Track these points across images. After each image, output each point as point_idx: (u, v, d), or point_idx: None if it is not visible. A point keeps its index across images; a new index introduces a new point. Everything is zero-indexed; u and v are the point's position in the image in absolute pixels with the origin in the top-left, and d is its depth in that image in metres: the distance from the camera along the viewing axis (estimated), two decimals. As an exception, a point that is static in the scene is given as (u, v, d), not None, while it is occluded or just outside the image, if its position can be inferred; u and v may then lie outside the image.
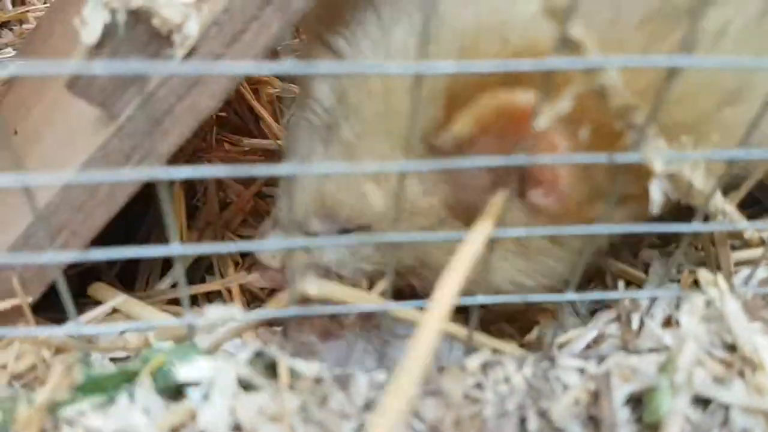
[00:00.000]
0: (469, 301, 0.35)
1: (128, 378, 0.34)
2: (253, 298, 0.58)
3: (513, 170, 0.34)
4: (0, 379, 0.41)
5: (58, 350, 0.44)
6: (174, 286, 0.60)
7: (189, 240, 0.62)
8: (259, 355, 0.35)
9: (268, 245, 0.50)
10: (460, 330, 0.38)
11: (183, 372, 0.33)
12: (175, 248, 0.31)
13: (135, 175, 0.38)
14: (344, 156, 0.43)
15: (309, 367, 0.36)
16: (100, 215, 0.41)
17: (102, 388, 0.34)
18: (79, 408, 0.33)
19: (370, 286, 0.47)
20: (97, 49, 0.36)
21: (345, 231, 0.46)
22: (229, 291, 0.57)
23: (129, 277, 0.62)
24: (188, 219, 0.62)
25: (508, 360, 0.37)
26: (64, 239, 0.42)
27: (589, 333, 0.44)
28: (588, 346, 0.44)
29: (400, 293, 0.43)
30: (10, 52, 0.87)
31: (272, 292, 0.55)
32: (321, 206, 0.45)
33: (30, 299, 0.44)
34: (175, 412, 0.33)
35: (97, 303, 0.50)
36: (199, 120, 0.38)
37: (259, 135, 0.74)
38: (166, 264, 0.62)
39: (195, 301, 0.58)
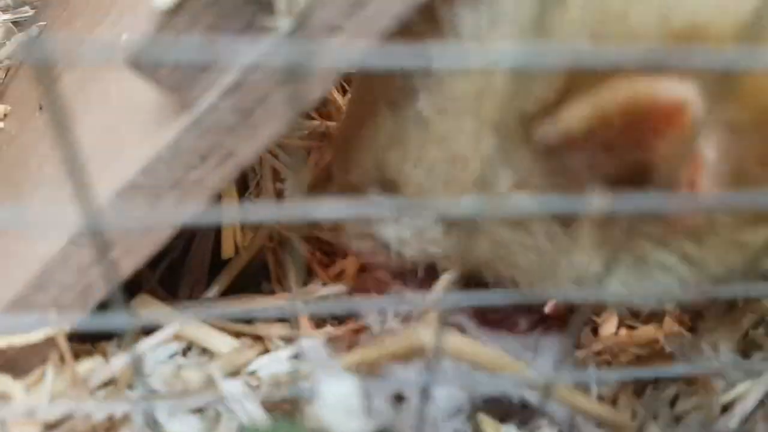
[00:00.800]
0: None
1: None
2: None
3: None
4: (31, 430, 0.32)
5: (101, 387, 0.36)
6: (224, 294, 0.51)
7: (243, 241, 0.53)
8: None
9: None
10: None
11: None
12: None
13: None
14: (415, 130, 0.36)
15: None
16: (162, 230, 0.32)
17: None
18: None
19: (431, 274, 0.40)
20: (173, 15, 0.26)
21: None
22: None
23: (172, 280, 0.53)
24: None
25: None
26: (116, 257, 0.33)
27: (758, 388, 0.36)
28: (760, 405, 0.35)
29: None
30: (27, 11, 0.77)
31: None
32: (382, 176, 0.39)
33: (67, 327, 0.35)
34: None
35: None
36: (298, 113, 0.29)
37: (321, 116, 0.64)
38: (214, 265, 0.53)
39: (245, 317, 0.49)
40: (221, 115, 0.29)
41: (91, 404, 0.31)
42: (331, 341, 0.40)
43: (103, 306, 0.35)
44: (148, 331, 0.41)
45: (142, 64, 0.27)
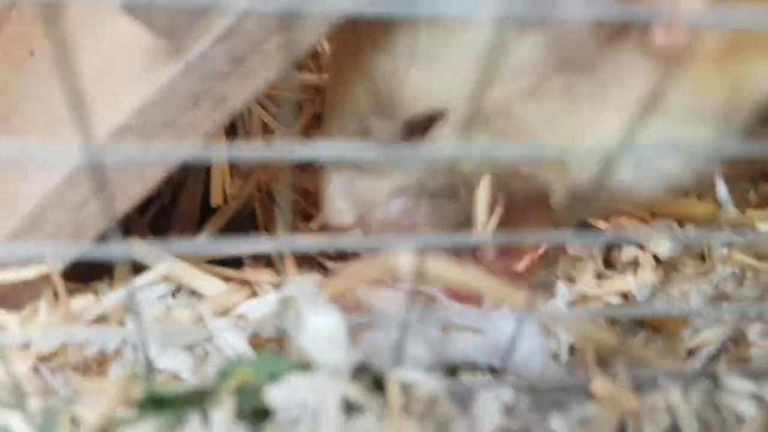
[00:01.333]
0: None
1: (200, 397, 0.27)
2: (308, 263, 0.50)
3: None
4: (23, 362, 0.34)
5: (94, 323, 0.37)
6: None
7: (233, 188, 0.54)
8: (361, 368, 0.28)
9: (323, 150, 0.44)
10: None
11: (275, 395, 0.26)
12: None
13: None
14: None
15: (424, 382, 0.28)
16: (154, 171, 0.33)
17: (167, 407, 0.26)
18: (140, 432, 0.26)
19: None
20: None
21: (409, 133, 0.39)
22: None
23: (161, 227, 0.54)
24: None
25: (667, 380, 0.30)
26: (112, 195, 0.34)
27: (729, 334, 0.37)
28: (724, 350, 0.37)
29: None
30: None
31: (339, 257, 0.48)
32: (377, 97, 0.39)
33: (61, 264, 0.36)
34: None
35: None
36: (292, 62, 0.30)
37: (316, 69, 0.65)
38: (204, 212, 0.54)
39: (234, 264, 0.51)
40: (214, 61, 0.30)
41: (85, 333, 0.33)
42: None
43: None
44: (138, 270, 0.43)
45: (137, 8, 0.28)
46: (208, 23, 0.29)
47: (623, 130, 0.28)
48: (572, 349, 0.39)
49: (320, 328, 0.27)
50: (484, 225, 0.39)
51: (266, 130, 0.60)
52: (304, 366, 0.27)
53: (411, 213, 0.43)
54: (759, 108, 0.37)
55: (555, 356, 0.38)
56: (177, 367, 0.37)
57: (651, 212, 0.51)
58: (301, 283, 0.30)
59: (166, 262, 0.42)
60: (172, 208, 0.54)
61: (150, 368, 0.38)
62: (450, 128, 0.38)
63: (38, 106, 0.40)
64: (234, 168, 0.55)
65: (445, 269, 0.31)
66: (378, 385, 0.28)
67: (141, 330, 0.35)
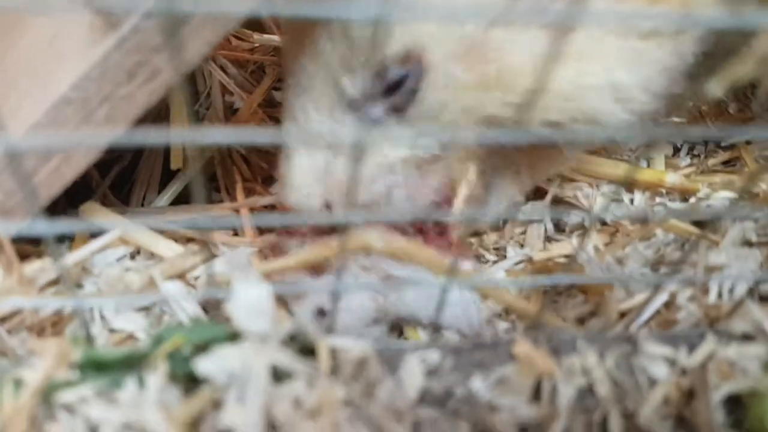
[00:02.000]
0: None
1: (137, 361, 0.28)
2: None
3: None
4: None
5: (48, 286, 0.38)
6: (174, 203, 0.53)
7: (193, 150, 0.54)
8: (293, 337, 0.29)
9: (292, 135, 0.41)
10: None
11: (205, 365, 0.27)
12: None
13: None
14: None
15: (353, 347, 0.30)
16: (95, 140, 0.34)
17: (106, 370, 0.28)
18: (78, 393, 0.27)
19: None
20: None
21: (391, 89, 0.38)
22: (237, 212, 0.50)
23: (122, 190, 0.55)
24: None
25: (584, 344, 0.31)
26: (55, 165, 0.34)
27: (658, 299, 0.39)
28: (658, 314, 0.39)
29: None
30: None
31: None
32: (348, 44, 0.37)
33: (12, 232, 0.37)
34: (194, 404, 0.27)
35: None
36: (223, 33, 0.30)
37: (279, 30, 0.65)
38: (165, 176, 0.55)
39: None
40: (145, 35, 0.30)
41: (37, 301, 0.34)
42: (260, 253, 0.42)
43: (50, 209, 0.38)
44: (96, 235, 0.44)
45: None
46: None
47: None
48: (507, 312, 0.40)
49: (249, 299, 0.28)
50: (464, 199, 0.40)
51: (226, 91, 0.61)
52: (236, 335, 0.29)
53: (394, 191, 0.41)
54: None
55: (491, 319, 0.40)
56: (132, 328, 0.39)
57: (597, 176, 0.52)
58: (234, 255, 0.31)
59: (121, 225, 0.44)
60: (135, 168, 0.55)
61: (106, 329, 0.39)
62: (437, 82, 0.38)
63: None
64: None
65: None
66: (309, 352, 0.29)
67: (90, 294, 0.37)
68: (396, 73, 0.37)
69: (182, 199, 0.54)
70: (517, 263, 0.46)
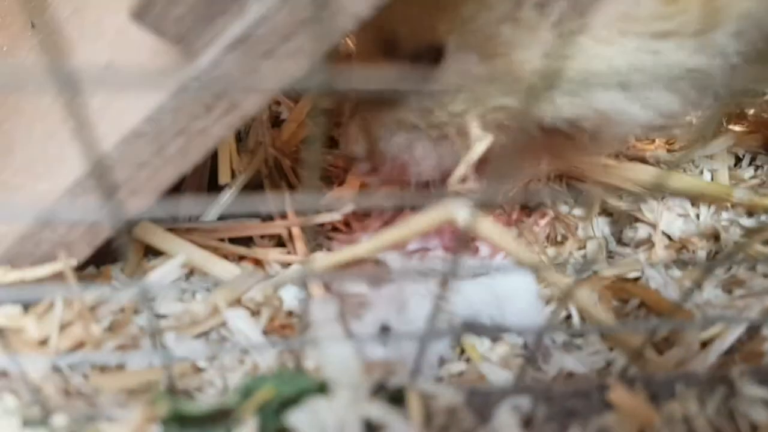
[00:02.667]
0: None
1: (224, 415, 0.27)
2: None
3: None
4: (42, 361, 0.34)
5: (112, 329, 0.37)
6: (221, 218, 0.52)
7: (240, 164, 0.53)
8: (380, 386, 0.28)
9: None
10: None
11: (297, 418, 0.26)
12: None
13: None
14: None
15: (443, 394, 0.29)
16: (166, 174, 0.32)
17: (191, 425, 0.27)
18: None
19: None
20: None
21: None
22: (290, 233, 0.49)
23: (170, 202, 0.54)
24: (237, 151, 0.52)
25: (684, 388, 0.30)
26: (122, 198, 0.33)
27: (739, 327, 0.38)
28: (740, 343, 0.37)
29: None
30: None
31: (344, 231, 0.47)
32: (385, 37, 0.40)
33: (74, 262, 0.36)
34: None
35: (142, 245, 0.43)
36: (308, 66, 0.29)
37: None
38: (213, 187, 0.54)
39: (243, 242, 0.50)
40: (226, 68, 0.29)
41: (121, 356, 0.33)
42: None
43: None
44: (152, 251, 0.43)
45: (147, 17, 0.27)
46: (220, 29, 0.28)
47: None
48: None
49: (337, 354, 0.27)
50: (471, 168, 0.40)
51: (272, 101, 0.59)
52: (323, 385, 0.27)
53: (409, 149, 0.43)
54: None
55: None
56: (194, 357, 0.38)
57: (661, 189, 0.50)
58: (322, 307, 0.30)
59: (181, 250, 0.42)
60: (181, 184, 0.54)
61: (167, 358, 0.38)
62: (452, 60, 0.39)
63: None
64: (240, 144, 0.55)
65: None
66: (396, 399, 0.28)
67: (156, 326, 0.35)
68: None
69: (230, 215, 0.52)
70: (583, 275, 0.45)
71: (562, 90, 0.37)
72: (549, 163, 0.47)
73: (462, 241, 0.37)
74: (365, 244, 0.38)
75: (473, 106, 0.40)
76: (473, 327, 0.39)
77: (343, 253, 0.37)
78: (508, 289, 0.35)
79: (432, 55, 0.39)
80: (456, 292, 0.38)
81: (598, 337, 0.39)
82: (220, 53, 0.28)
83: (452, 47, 0.38)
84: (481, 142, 0.38)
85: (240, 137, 0.56)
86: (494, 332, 0.39)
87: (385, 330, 0.38)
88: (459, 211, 0.34)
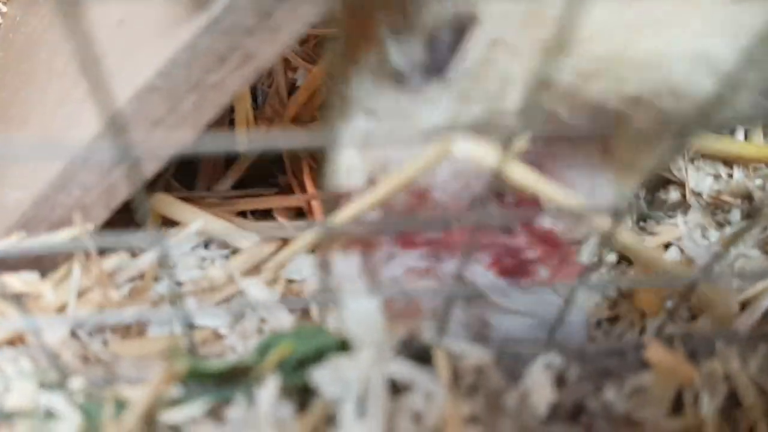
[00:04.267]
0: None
1: (244, 372, 0.26)
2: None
3: None
4: (60, 326, 0.33)
5: (131, 295, 0.36)
6: (237, 186, 0.51)
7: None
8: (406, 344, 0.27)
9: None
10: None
11: (321, 376, 0.25)
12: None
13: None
14: None
15: (471, 353, 0.27)
16: (184, 132, 0.31)
17: (211, 383, 0.26)
18: (187, 413, 0.25)
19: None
20: None
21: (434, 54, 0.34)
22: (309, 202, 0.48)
23: (186, 173, 0.53)
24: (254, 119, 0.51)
25: (724, 347, 0.29)
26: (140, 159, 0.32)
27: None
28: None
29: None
30: None
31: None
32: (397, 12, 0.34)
33: (91, 227, 0.35)
34: (309, 420, 0.25)
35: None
36: (323, 12, 0.27)
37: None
38: (230, 157, 0.53)
39: (260, 215, 0.49)
40: (239, 16, 0.27)
41: (120, 314, 0.32)
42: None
43: (125, 204, 0.36)
44: (170, 223, 0.42)
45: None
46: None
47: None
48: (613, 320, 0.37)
49: (361, 312, 0.25)
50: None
51: (289, 67, 0.58)
52: (344, 342, 0.26)
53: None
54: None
55: (598, 324, 0.37)
56: (216, 324, 0.37)
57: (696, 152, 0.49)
58: (344, 264, 0.28)
59: (199, 218, 0.41)
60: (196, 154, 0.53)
61: (189, 326, 0.38)
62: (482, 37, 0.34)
63: (55, 53, 0.39)
64: (257, 111, 0.54)
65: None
66: (423, 357, 0.27)
67: (176, 293, 0.35)
68: (448, 31, 0.34)
69: (248, 181, 0.51)
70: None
71: (630, 62, 0.33)
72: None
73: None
74: (377, 189, 0.33)
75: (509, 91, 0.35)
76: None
77: (357, 203, 0.33)
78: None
79: (453, 33, 0.34)
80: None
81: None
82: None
83: (485, 16, 0.34)
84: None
85: (257, 104, 0.55)
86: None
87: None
88: (462, 143, 0.29)
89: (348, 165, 0.36)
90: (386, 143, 0.36)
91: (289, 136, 0.20)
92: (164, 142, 0.31)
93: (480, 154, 0.28)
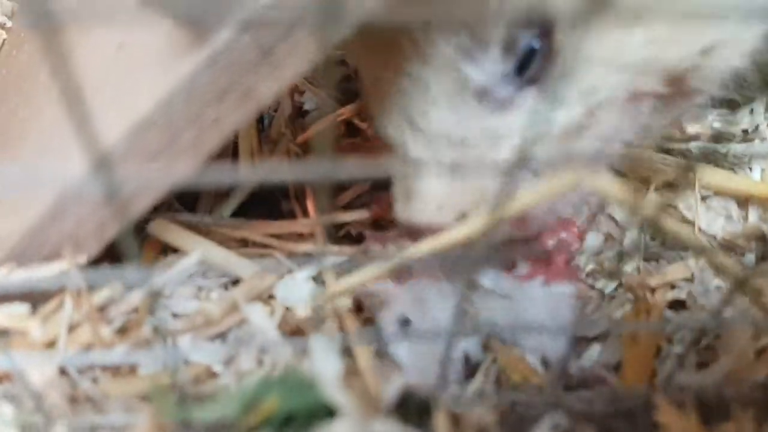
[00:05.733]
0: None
1: (229, 428, 0.25)
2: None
3: None
4: (46, 363, 0.32)
5: (123, 330, 0.35)
6: (241, 208, 0.50)
7: (262, 156, 0.51)
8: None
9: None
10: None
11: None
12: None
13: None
14: None
15: (473, 412, 0.26)
16: (181, 166, 0.30)
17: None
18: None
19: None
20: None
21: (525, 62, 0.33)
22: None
23: (190, 195, 0.52)
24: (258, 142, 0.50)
25: (739, 408, 0.27)
26: (131, 194, 0.31)
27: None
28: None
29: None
30: None
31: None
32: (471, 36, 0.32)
33: (83, 259, 0.34)
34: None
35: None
36: (328, 49, 0.26)
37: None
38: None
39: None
40: (240, 52, 0.26)
41: (110, 355, 0.31)
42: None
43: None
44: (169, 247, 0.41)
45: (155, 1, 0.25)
46: (233, 8, 0.26)
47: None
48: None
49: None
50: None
51: (295, 89, 0.56)
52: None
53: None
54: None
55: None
56: (210, 360, 0.36)
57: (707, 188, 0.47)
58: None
59: (198, 245, 0.40)
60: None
61: (177, 361, 0.36)
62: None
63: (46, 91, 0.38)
64: (263, 133, 0.52)
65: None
66: (421, 413, 0.26)
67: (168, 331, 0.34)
68: (528, 40, 0.33)
69: (251, 206, 0.50)
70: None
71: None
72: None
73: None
74: (472, 221, 0.31)
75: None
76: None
77: (443, 236, 0.30)
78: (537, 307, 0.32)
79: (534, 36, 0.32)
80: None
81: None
82: (234, 34, 0.26)
83: (567, 20, 0.32)
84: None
85: (263, 126, 0.54)
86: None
87: (404, 322, 0.35)
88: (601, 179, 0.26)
89: (437, 199, 0.34)
90: (485, 171, 0.34)
91: (293, 168, 0.20)
92: (161, 175, 0.30)
93: (617, 191, 0.27)
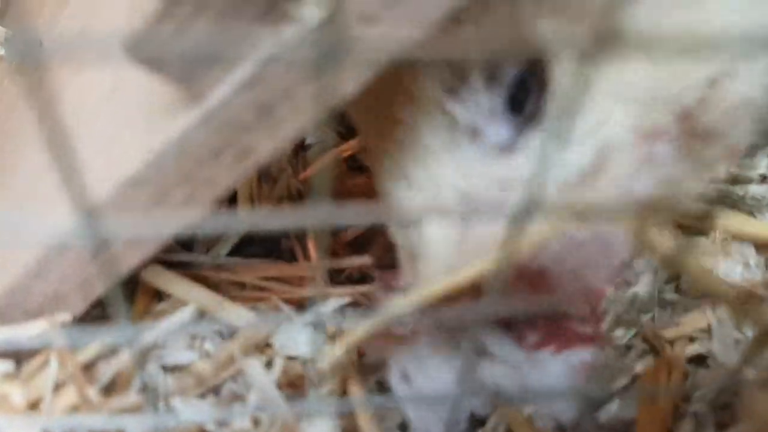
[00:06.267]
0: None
1: None
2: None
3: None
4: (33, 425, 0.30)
5: (110, 388, 0.33)
6: (236, 251, 0.48)
7: (261, 192, 0.49)
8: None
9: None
10: None
11: None
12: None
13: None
14: None
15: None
16: (172, 223, 0.28)
17: None
18: None
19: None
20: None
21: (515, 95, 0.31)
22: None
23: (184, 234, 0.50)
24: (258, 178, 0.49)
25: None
26: (118, 252, 0.29)
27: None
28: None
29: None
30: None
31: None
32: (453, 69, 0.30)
33: (68, 317, 0.32)
34: None
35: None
36: (328, 110, 0.24)
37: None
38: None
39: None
40: (236, 111, 0.25)
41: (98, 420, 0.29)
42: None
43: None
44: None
45: (141, 53, 0.23)
46: (228, 69, 0.24)
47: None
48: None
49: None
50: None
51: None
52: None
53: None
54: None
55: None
56: (201, 419, 0.34)
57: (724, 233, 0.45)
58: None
59: (192, 295, 0.39)
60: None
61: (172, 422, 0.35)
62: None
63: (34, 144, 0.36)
64: (262, 170, 0.51)
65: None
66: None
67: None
68: (513, 72, 0.31)
69: (249, 245, 0.48)
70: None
71: None
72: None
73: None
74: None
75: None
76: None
77: (453, 278, 0.28)
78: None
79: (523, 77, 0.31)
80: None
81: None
82: (229, 93, 0.24)
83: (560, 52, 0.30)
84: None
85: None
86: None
87: (405, 378, 0.34)
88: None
89: (443, 262, 0.31)
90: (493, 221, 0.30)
91: (292, 214, 0.18)
92: (152, 230, 0.28)
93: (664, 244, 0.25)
